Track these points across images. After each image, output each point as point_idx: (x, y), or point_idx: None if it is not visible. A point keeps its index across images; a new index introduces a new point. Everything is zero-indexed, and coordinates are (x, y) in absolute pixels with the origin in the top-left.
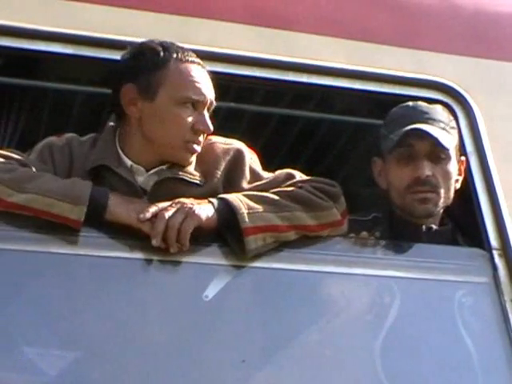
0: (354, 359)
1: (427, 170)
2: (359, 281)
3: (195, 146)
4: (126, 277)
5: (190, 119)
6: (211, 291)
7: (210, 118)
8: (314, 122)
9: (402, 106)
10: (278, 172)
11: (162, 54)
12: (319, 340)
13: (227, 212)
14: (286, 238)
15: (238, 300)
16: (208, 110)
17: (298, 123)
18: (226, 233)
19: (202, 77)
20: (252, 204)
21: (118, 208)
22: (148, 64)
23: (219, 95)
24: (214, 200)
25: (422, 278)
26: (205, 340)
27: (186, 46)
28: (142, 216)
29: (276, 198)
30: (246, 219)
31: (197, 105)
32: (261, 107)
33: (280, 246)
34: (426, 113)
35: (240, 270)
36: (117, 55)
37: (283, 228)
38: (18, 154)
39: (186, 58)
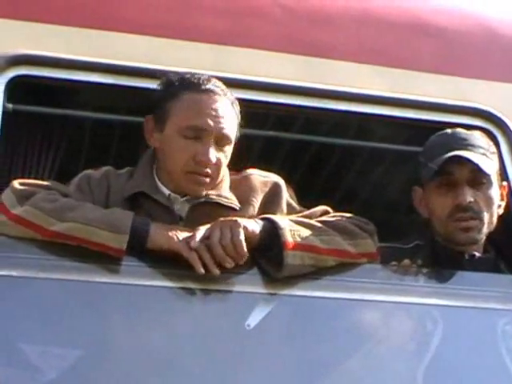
0: None
1: (469, 196)
2: (401, 309)
3: (200, 178)
4: (168, 306)
5: (192, 149)
6: (253, 320)
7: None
8: (353, 150)
9: (440, 133)
10: (315, 208)
11: (175, 85)
12: (362, 369)
13: (269, 227)
14: (324, 263)
15: (280, 329)
16: (219, 142)
17: (337, 151)
18: (265, 249)
19: (211, 106)
20: (293, 224)
21: (160, 236)
22: (162, 95)
23: (258, 123)
24: (255, 218)
25: (464, 306)
26: (248, 369)
27: (219, 74)
28: (193, 245)
29: (316, 223)
30: (288, 234)
31: (201, 135)
32: (299, 135)
33: (320, 274)
34: (465, 139)
35: (281, 299)
36: (155, 85)
37: (323, 250)
38: (59, 185)
39: (201, 87)
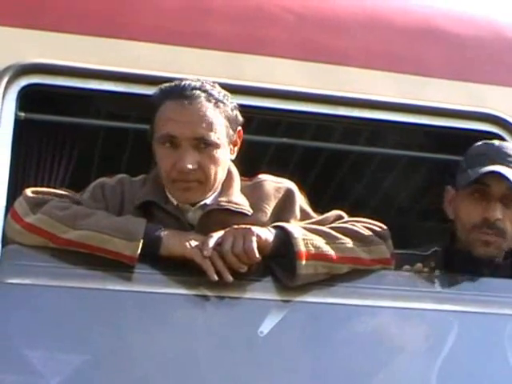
0: None
1: (498, 213)
2: (414, 315)
3: (185, 184)
4: (181, 313)
5: (171, 157)
6: (266, 327)
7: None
8: (365, 156)
9: (487, 142)
10: (328, 213)
11: (158, 95)
12: (375, 375)
13: (282, 236)
14: (337, 271)
15: (293, 335)
16: (198, 146)
17: (349, 157)
18: (278, 258)
19: (181, 112)
20: (306, 232)
21: (173, 243)
22: (152, 107)
23: (270, 130)
24: (268, 226)
25: (478, 312)
26: (261, 376)
27: (231, 82)
28: (206, 253)
29: (329, 230)
30: (301, 244)
31: (175, 142)
32: (311, 142)
33: (333, 280)
34: (509, 155)
35: (294, 306)
36: None
37: (336, 258)
38: (71, 193)
39: (177, 94)
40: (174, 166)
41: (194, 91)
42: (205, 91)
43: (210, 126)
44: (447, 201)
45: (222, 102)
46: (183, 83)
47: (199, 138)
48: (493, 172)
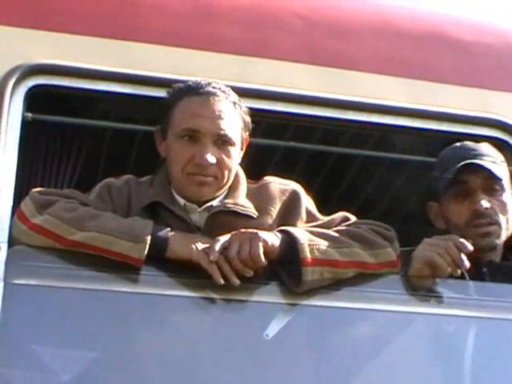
0: None
1: (485, 202)
2: (419, 319)
3: (201, 178)
4: (187, 315)
5: (190, 151)
6: (272, 330)
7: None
8: (373, 161)
9: (450, 147)
10: (335, 215)
11: (175, 93)
12: (380, 379)
13: (288, 241)
14: (343, 275)
15: (298, 339)
16: (218, 143)
17: (356, 162)
18: (284, 263)
19: (205, 108)
20: (312, 237)
21: (179, 245)
22: (165, 105)
23: (278, 134)
24: (274, 231)
25: (484, 317)
26: (267, 379)
27: (240, 85)
28: (212, 257)
29: (335, 234)
30: (307, 250)
31: (197, 137)
32: (320, 146)
33: (339, 284)
34: (475, 150)
35: (300, 309)
36: None
37: (342, 264)
38: (78, 194)
39: (197, 91)
40: (192, 159)
41: (215, 89)
42: (223, 91)
43: (230, 124)
44: (433, 215)
45: (239, 105)
46: (201, 81)
47: (221, 135)
48: (466, 165)
